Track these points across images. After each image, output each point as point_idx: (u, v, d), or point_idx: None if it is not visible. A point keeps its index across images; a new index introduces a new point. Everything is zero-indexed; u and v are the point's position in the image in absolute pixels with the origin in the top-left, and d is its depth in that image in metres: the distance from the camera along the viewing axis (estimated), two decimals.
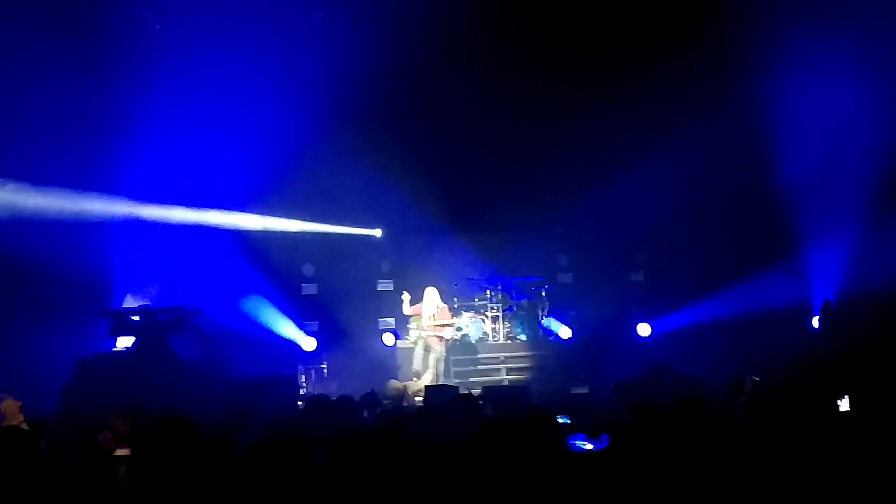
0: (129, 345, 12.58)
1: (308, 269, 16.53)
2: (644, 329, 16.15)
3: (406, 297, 14.26)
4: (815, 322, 14.85)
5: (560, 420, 5.80)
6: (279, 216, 15.70)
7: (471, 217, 15.92)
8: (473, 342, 15.27)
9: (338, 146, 14.63)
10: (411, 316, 14.48)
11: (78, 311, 12.87)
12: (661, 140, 14.71)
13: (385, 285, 16.52)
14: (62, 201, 12.68)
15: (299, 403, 10.96)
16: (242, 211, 15.33)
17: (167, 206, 14.23)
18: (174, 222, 14.34)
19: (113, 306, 13.60)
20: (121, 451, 5.68)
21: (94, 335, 12.91)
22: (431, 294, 14.25)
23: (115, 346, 12.80)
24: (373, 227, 16.68)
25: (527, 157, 15.38)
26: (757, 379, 6.46)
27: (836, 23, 13.17)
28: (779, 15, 13.81)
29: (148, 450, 4.47)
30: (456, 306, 15.41)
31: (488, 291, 15.75)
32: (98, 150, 13.04)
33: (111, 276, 13.86)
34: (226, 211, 15.05)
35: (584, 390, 12.56)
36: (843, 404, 5.91)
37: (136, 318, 12.68)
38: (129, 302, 13.76)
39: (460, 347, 14.96)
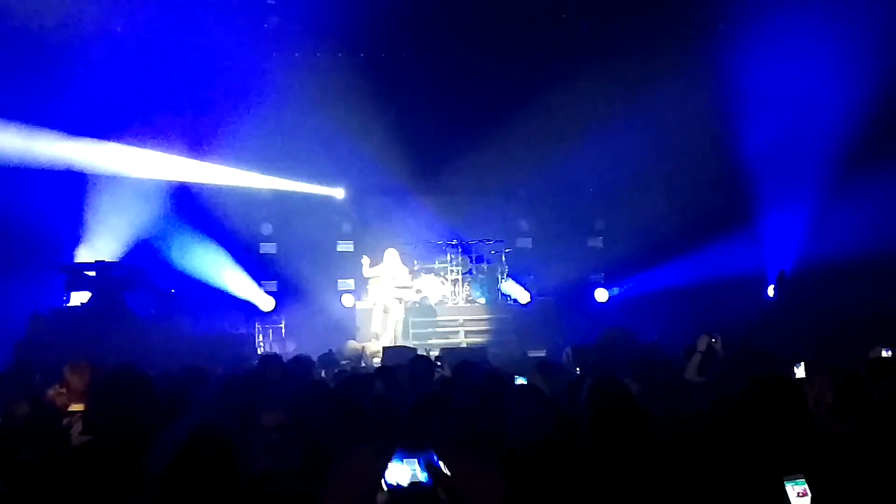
0: (85, 300, 12.43)
1: (267, 228, 16.40)
2: (601, 294, 16.30)
3: (365, 260, 14.21)
4: (771, 291, 15.09)
5: (518, 381, 5.82)
6: (236, 165, 15.40)
7: (432, 179, 15.88)
8: (432, 304, 15.30)
9: (298, 93, 14.46)
10: (371, 277, 14.45)
11: (32, 265, 12.67)
12: (622, 107, 14.77)
13: (345, 246, 16.46)
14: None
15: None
16: (196, 157, 15.01)
17: (109, 142, 13.83)
18: (128, 173, 14.05)
19: (67, 260, 13.42)
20: (75, 407, 5.59)
21: (49, 289, 12.76)
22: (392, 256, 14.22)
23: (69, 301, 12.65)
24: (334, 186, 16.57)
25: (489, 121, 15.33)
26: (711, 337, 6.52)
27: None
28: None
29: (103, 403, 4.42)
30: (416, 268, 15.41)
31: (448, 254, 15.75)
32: (46, 83, 12.70)
33: (65, 228, 13.63)
34: (178, 155, 14.74)
35: (542, 353, 12.63)
36: (799, 371, 5.99)
37: (92, 273, 12.53)
38: (84, 256, 13.58)
39: (419, 310, 14.98)
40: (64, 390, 5.85)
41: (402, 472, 2.31)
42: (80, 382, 5.80)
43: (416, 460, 2.30)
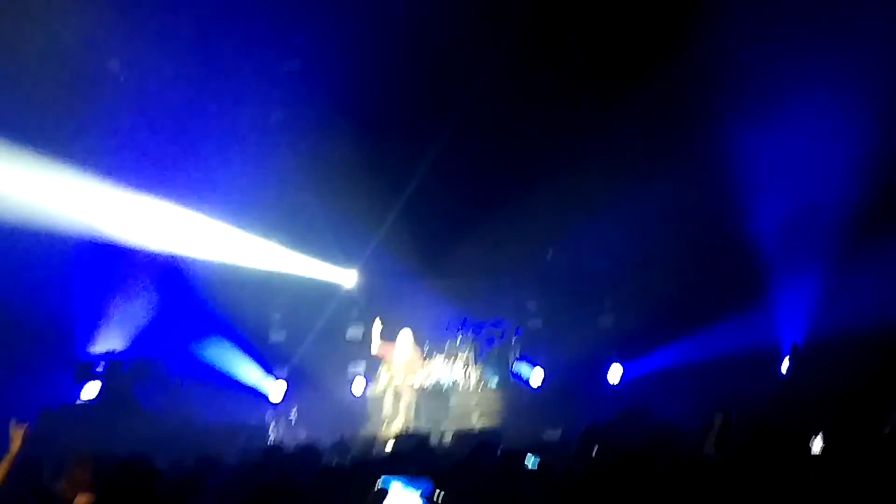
0: (94, 394, 12.39)
1: (276, 316, 16.36)
2: (615, 373, 16.12)
3: (377, 326, 13.98)
4: (785, 365, 14.91)
5: (531, 462, 5.72)
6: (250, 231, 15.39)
7: (441, 261, 15.89)
8: (444, 388, 15.14)
9: (307, 177, 14.64)
10: (381, 356, 14.27)
11: (42, 359, 12.65)
12: (630, 183, 14.84)
13: (355, 331, 16.36)
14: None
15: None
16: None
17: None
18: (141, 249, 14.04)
19: (77, 352, 13.39)
20: (81, 500, 5.52)
21: (59, 383, 12.72)
22: (405, 337, 14.11)
23: (80, 394, 12.61)
24: (346, 268, 16.43)
25: (497, 201, 15.43)
26: (723, 415, 6.43)
27: (804, 71, 13.45)
28: (747, 62, 14.09)
29: (109, 497, 4.37)
30: (427, 351, 15.29)
31: (459, 336, 15.65)
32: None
33: (75, 320, 13.64)
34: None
35: (557, 435, 12.45)
36: (816, 446, 5.89)
37: (101, 366, 12.51)
38: (94, 349, 13.55)
39: (431, 394, 14.82)
40: (70, 484, 5.80)
41: (405, 499, 2.24)
42: (85, 474, 5.75)
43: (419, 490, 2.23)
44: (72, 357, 13.08)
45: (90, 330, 13.82)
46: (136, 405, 11.95)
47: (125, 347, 13.77)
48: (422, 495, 2.21)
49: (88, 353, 13.49)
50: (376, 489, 2.16)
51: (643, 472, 3.73)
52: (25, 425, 5.94)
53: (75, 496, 5.65)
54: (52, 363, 12.80)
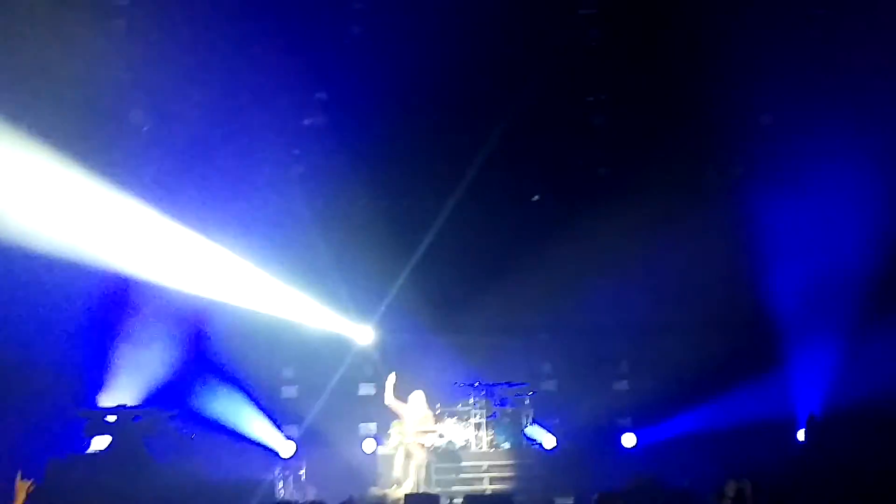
0: (104, 446, 12.34)
1: (288, 371, 16.34)
2: (629, 439, 15.96)
3: (391, 379, 13.90)
4: (801, 435, 14.74)
5: None
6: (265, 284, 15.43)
7: (455, 321, 15.87)
8: (456, 449, 15.00)
9: (320, 236, 14.76)
10: (393, 411, 14.17)
11: (53, 409, 12.66)
12: (645, 247, 14.87)
13: (367, 389, 16.31)
14: None
15: None
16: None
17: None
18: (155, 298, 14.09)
19: (89, 403, 13.39)
20: None
21: (69, 435, 12.69)
22: (418, 398, 14.02)
23: (89, 447, 12.57)
24: (359, 322, 16.35)
25: (511, 261, 15.46)
26: (736, 483, 6.35)
27: (824, 138, 13.56)
28: (767, 127, 14.22)
29: None
30: (438, 412, 15.19)
31: (472, 397, 15.56)
32: None
33: (87, 370, 13.67)
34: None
35: (569, 501, 12.29)
36: None
37: (113, 418, 12.49)
38: (106, 401, 13.55)
39: (442, 455, 14.68)
40: None
41: None
42: None
43: None
44: (84, 408, 13.08)
45: (102, 381, 13.85)
46: (147, 458, 11.87)
47: (137, 399, 13.77)
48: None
49: (100, 405, 13.49)
50: None
51: None
52: (31, 481, 5.92)
53: None
54: (64, 414, 12.79)
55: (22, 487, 5.88)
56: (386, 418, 14.50)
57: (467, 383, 15.63)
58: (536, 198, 16.00)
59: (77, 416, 12.79)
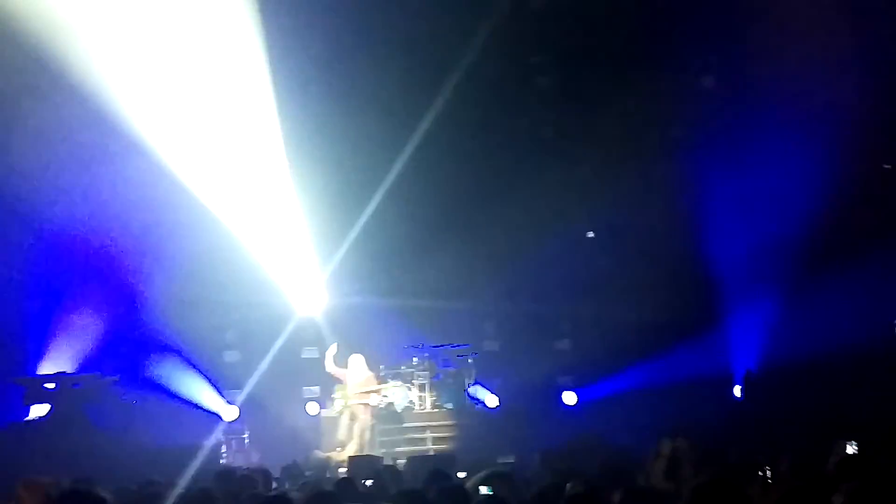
0: (44, 413, 12.18)
1: (230, 335, 16.20)
2: (570, 397, 16.19)
3: (332, 349, 13.90)
4: (738, 391, 15.10)
5: (483, 490, 5.70)
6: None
7: (398, 284, 15.87)
8: (399, 411, 15.08)
9: None
10: (335, 377, 14.20)
11: None
12: (587, 209, 15.01)
13: (310, 352, 16.24)
14: None
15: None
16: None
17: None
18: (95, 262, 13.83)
19: (27, 372, 13.19)
20: None
21: (6, 402, 12.51)
22: (357, 361, 14.06)
23: (28, 415, 12.40)
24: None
25: (454, 223, 15.46)
26: (674, 440, 6.45)
27: (766, 105, 13.77)
28: (710, 92, 14.39)
29: None
30: (382, 374, 15.23)
31: (414, 359, 15.63)
32: None
33: (26, 337, 13.43)
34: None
35: (511, 459, 12.48)
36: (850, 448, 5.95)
37: (52, 385, 12.32)
38: (45, 368, 13.35)
39: (386, 416, 14.75)
40: None
41: None
42: (32, 499, 5.65)
43: None
44: (22, 376, 12.88)
45: (41, 347, 13.63)
46: (87, 424, 11.76)
47: (77, 366, 13.58)
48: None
49: (38, 372, 13.30)
50: None
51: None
52: None
53: None
54: (1, 382, 12.59)
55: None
56: (329, 381, 14.55)
57: (411, 345, 15.70)
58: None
59: (14, 384, 12.61)
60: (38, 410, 12.65)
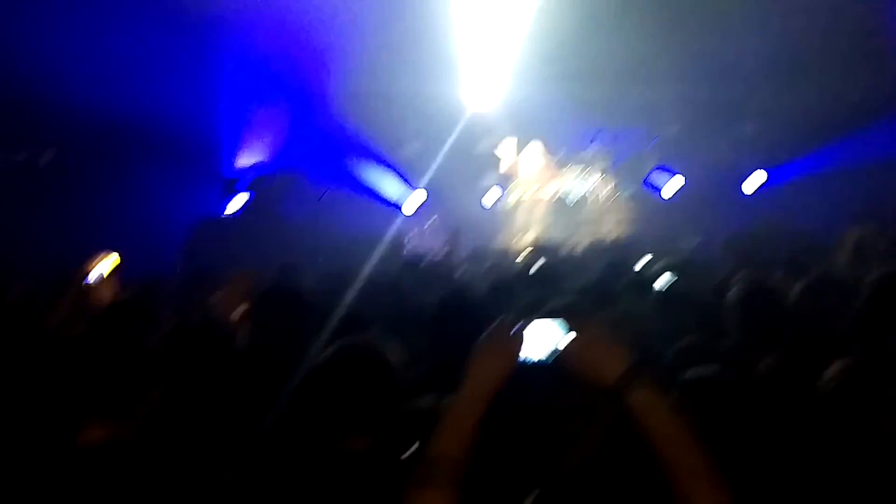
0: (239, 207, 12.88)
1: (411, 127, 16.40)
2: (753, 182, 15.70)
3: (508, 141, 13.86)
4: None
5: (664, 278, 5.69)
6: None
7: (575, 70, 15.44)
8: (576, 200, 15.09)
9: None
10: (511, 169, 14.25)
11: (192, 172, 13.11)
12: None
13: (487, 145, 16.30)
14: None
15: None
16: None
17: None
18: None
19: (224, 167, 13.88)
20: (238, 312, 5.80)
21: (204, 198, 13.26)
22: (534, 150, 14.02)
23: (226, 208, 13.15)
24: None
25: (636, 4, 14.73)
26: (864, 229, 6.08)
27: None
28: None
29: (262, 310, 4.67)
30: (558, 163, 15.15)
31: (592, 146, 15.39)
32: None
33: (221, 135, 13.99)
34: None
35: (691, 247, 12.38)
36: None
37: (247, 180, 12.95)
38: (239, 164, 14.00)
39: (563, 205, 14.82)
40: (227, 298, 6.09)
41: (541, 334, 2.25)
42: (242, 290, 6.02)
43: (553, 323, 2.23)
44: (219, 172, 13.55)
45: (235, 145, 14.27)
46: (279, 219, 12.40)
47: (268, 162, 14.18)
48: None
49: (234, 168, 13.99)
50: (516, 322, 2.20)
51: (776, 304, 3.68)
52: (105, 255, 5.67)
53: (232, 307, 5.98)
54: (200, 178, 13.29)
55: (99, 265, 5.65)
56: (506, 174, 14.63)
57: (588, 133, 15.45)
58: None
59: (210, 180, 13.31)
60: (235, 205, 13.43)
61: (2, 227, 10.75)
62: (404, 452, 2.63)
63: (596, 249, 10.14)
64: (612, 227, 14.68)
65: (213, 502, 2.96)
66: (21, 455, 3.14)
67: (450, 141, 15.30)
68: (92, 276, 5.14)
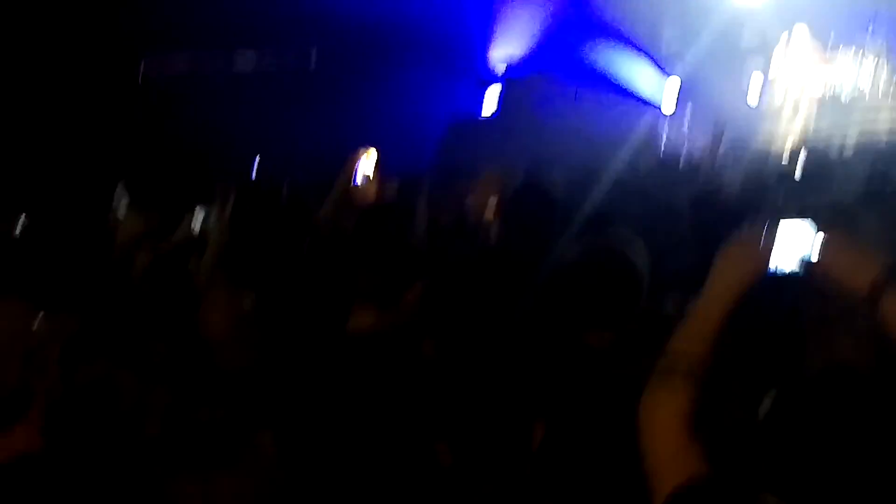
0: (493, 109, 13.10)
1: (668, 20, 15.75)
2: None
3: (775, 33, 12.94)
4: None
5: None
6: None
7: None
8: (849, 97, 13.97)
9: None
10: (778, 65, 13.41)
11: (445, 71, 13.40)
12: None
13: (751, 38, 15.36)
14: None
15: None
16: None
17: None
18: None
19: (477, 68, 14.09)
20: (489, 211, 6.01)
21: (460, 98, 13.57)
22: (800, 35, 12.98)
23: (481, 108, 13.42)
24: None
25: None
26: None
27: None
28: None
29: (511, 213, 4.83)
30: (830, 50, 13.99)
31: (868, 33, 14.08)
32: None
33: (473, 35, 14.13)
34: None
35: None
36: None
37: (501, 79, 13.10)
38: (496, 60, 14.11)
39: (833, 101, 13.78)
40: (479, 196, 6.32)
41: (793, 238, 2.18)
42: (494, 188, 6.21)
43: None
44: (474, 71, 13.78)
45: (487, 45, 14.41)
46: (533, 119, 12.48)
47: (523, 60, 14.23)
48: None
49: (489, 67, 14.16)
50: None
51: None
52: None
53: (484, 205, 6.20)
54: (456, 77, 13.59)
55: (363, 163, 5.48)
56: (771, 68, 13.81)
57: (863, 17, 14.14)
58: None
59: (467, 79, 13.57)
60: (489, 106, 13.66)
61: (274, 128, 11.59)
62: (646, 350, 2.70)
63: (868, 149, 9.48)
64: (890, 125, 13.56)
65: (466, 389, 3.18)
66: (296, 339, 3.49)
67: (712, 31, 14.57)
68: (359, 177, 5.43)
